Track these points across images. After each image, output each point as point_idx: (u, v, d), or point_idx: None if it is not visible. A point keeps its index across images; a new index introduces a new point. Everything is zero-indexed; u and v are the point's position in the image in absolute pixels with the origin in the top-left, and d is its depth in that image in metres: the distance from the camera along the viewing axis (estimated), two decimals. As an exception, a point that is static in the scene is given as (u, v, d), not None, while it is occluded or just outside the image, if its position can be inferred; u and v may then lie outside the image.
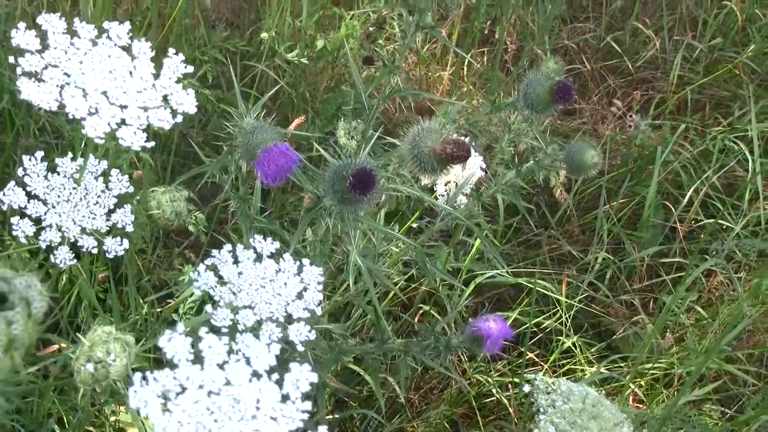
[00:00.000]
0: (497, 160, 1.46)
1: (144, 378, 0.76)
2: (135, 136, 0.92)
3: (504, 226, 2.07)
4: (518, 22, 2.57)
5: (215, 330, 0.87)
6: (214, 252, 0.99)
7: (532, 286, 1.93)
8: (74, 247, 1.07)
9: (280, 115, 2.16)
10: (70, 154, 1.10)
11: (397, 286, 1.81)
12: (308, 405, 0.78)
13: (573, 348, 1.98)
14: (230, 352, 0.80)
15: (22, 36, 0.95)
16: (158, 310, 1.66)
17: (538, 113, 1.26)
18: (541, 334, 2.01)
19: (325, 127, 2.13)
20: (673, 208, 2.25)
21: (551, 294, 2.02)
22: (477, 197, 1.39)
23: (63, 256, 1.04)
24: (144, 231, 1.51)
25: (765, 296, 2.03)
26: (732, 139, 2.37)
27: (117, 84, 0.96)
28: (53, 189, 1.07)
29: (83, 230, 1.06)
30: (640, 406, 1.92)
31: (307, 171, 1.15)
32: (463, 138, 1.25)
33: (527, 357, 1.91)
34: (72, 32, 0.98)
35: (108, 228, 1.07)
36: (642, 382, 1.95)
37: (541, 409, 1.14)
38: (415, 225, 1.74)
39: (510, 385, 1.90)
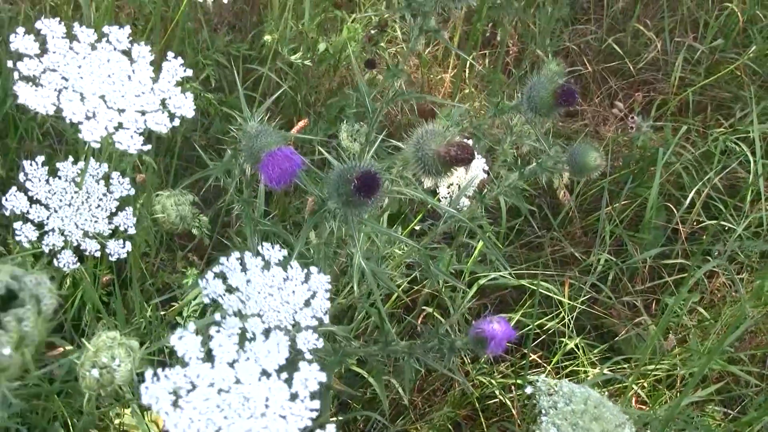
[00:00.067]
0: (499, 162, 1.46)
1: (155, 375, 0.77)
2: (132, 140, 0.92)
3: (506, 228, 2.07)
4: (520, 24, 2.58)
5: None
6: (222, 259, 1.00)
7: (535, 288, 1.93)
8: (77, 250, 1.07)
9: (283, 118, 2.16)
10: (71, 158, 1.10)
11: (400, 288, 1.81)
12: (317, 404, 0.79)
13: (576, 349, 1.98)
14: (240, 351, 0.81)
15: (20, 40, 0.95)
16: (162, 313, 1.67)
17: (542, 116, 1.26)
18: (543, 336, 2.01)
19: (328, 129, 2.13)
20: (675, 210, 2.25)
21: (554, 296, 2.02)
22: (480, 199, 1.39)
23: (66, 260, 1.04)
24: (148, 235, 1.52)
25: (767, 297, 2.03)
26: (733, 141, 2.37)
27: (115, 88, 0.96)
28: (55, 193, 1.07)
29: (86, 234, 1.06)
30: (643, 407, 1.93)
31: (310, 174, 1.15)
32: (466, 140, 1.26)
33: (530, 359, 1.91)
34: (72, 37, 0.98)
35: (110, 231, 1.07)
36: (645, 384, 1.95)
37: (543, 411, 1.14)
38: (417, 227, 1.75)
39: (513, 387, 1.90)
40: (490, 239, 1.86)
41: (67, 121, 0.90)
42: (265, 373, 0.80)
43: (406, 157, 1.15)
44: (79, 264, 1.06)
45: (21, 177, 1.06)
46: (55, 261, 1.03)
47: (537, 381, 1.18)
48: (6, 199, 1.04)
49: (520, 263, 2.13)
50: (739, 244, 2.18)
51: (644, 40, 2.67)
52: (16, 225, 1.02)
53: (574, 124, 2.51)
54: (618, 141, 2.46)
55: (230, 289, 0.99)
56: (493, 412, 1.90)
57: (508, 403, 1.88)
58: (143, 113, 0.95)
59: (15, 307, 0.74)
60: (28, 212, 1.05)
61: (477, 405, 1.88)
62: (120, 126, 0.92)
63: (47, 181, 1.07)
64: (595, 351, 1.99)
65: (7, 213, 1.03)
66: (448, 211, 1.37)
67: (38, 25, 0.97)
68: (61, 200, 1.07)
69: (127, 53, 0.99)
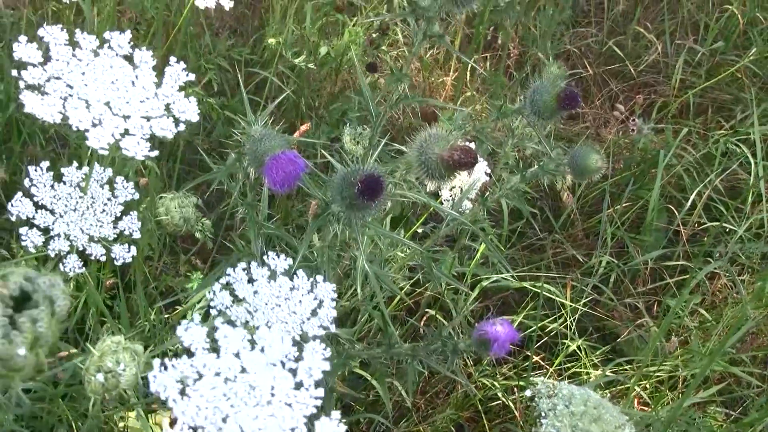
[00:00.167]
0: (501, 164, 1.47)
1: (163, 364, 0.78)
2: (139, 146, 0.92)
3: (508, 230, 2.07)
4: (521, 27, 2.58)
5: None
6: (229, 270, 1.00)
7: (537, 290, 1.94)
8: (82, 255, 1.08)
9: (285, 122, 2.17)
10: (75, 164, 1.10)
11: (403, 291, 1.82)
12: (321, 392, 0.81)
13: (578, 351, 1.99)
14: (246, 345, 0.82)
15: (23, 49, 0.95)
16: (166, 316, 1.67)
17: (544, 120, 1.26)
18: (546, 338, 2.02)
19: (331, 133, 2.14)
20: (676, 212, 2.26)
21: (556, 298, 2.02)
22: (483, 202, 1.40)
23: (72, 265, 1.05)
24: (151, 238, 1.52)
25: (768, 299, 2.04)
26: (734, 143, 2.38)
27: (119, 94, 0.96)
28: (60, 198, 1.08)
29: (91, 238, 1.07)
30: (645, 408, 1.93)
31: (313, 177, 1.16)
32: (469, 144, 1.26)
33: (533, 360, 1.92)
34: (74, 43, 0.99)
35: (115, 235, 1.08)
36: (647, 385, 1.95)
37: (543, 413, 1.15)
38: (420, 230, 1.75)
39: (516, 389, 1.91)
40: (492, 242, 1.86)
41: (74, 128, 0.90)
42: (270, 363, 0.81)
43: (410, 160, 1.16)
44: (84, 268, 1.07)
45: (26, 182, 1.07)
46: (60, 265, 1.04)
47: (537, 384, 1.19)
48: (12, 205, 1.04)
49: (522, 265, 2.13)
50: (740, 246, 2.18)
51: (645, 43, 2.67)
52: (22, 230, 1.03)
53: (576, 126, 2.52)
54: (619, 143, 2.46)
55: (237, 300, 1.00)
56: (496, 413, 1.91)
57: (511, 404, 1.88)
58: (148, 119, 0.95)
59: (29, 308, 0.75)
60: (33, 217, 1.05)
61: (480, 407, 1.89)
62: (126, 132, 0.93)
63: (52, 186, 1.08)
64: (597, 353, 2.00)
65: (13, 218, 1.04)
66: (451, 214, 1.38)
67: (41, 32, 0.97)
68: (66, 205, 1.08)
69: (129, 58, 1.00)
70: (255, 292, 1.01)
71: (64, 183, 1.08)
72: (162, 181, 1.90)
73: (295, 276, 1.03)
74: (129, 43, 1.00)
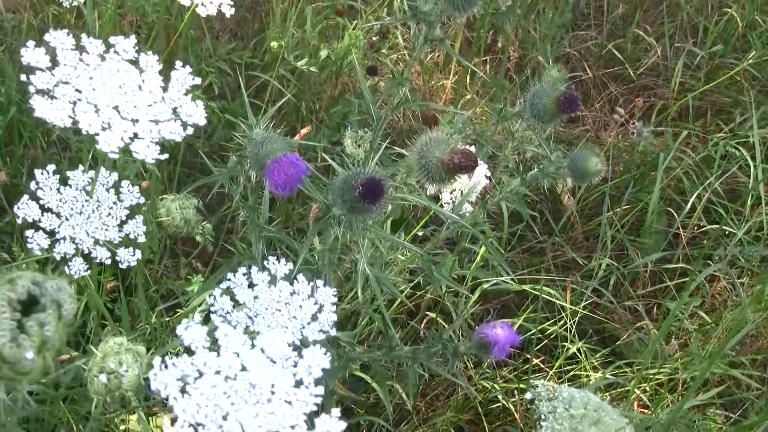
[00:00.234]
0: (501, 168, 1.47)
1: (163, 363, 0.78)
2: (148, 150, 0.93)
3: (508, 233, 2.08)
4: (520, 30, 2.59)
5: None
6: (230, 275, 1.00)
7: (537, 293, 1.94)
8: (87, 258, 1.08)
9: (286, 126, 2.17)
10: (81, 167, 1.11)
11: (403, 294, 1.82)
12: (321, 389, 0.81)
13: (578, 354, 1.99)
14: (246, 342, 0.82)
15: (31, 53, 0.96)
16: (166, 319, 1.68)
17: (544, 123, 1.27)
18: (546, 341, 2.02)
19: (332, 136, 2.14)
20: (675, 215, 2.26)
21: (556, 300, 2.03)
22: (483, 205, 1.40)
23: (77, 267, 1.05)
24: (152, 241, 1.53)
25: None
26: (734, 145, 2.38)
27: (127, 98, 0.97)
28: (66, 201, 1.08)
29: (96, 241, 1.07)
30: (645, 411, 1.93)
31: (314, 180, 1.16)
32: (469, 147, 1.27)
33: (533, 363, 1.92)
34: (80, 48, 0.99)
35: (120, 239, 1.08)
36: (647, 388, 1.96)
37: (543, 416, 1.15)
38: (420, 233, 1.76)
39: (516, 391, 1.91)
40: (493, 245, 1.86)
41: (84, 132, 0.90)
42: (270, 361, 0.82)
43: (410, 164, 1.16)
44: (89, 271, 1.08)
45: (33, 185, 1.07)
46: (66, 268, 1.05)
47: (537, 386, 1.19)
48: (18, 207, 1.05)
49: (522, 268, 2.14)
50: (739, 249, 2.19)
51: (644, 46, 2.68)
52: (28, 233, 1.03)
53: (575, 129, 2.52)
54: (619, 146, 2.47)
55: (238, 305, 1.00)
56: (496, 416, 1.91)
57: (511, 407, 1.89)
58: (157, 123, 0.96)
59: (36, 312, 0.76)
60: (39, 220, 1.06)
61: (480, 409, 1.89)
62: (135, 136, 0.93)
63: (58, 189, 1.08)
64: (597, 355, 2.00)
65: (20, 220, 1.04)
66: (451, 217, 1.38)
67: (47, 37, 0.98)
68: (72, 208, 1.08)
69: (134, 63, 1.00)
70: (255, 297, 1.01)
71: (70, 186, 1.09)
72: (163, 184, 1.91)
73: (295, 281, 1.03)
74: (134, 47, 1.00)
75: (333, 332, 1.01)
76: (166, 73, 1.03)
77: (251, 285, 1.01)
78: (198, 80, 1.03)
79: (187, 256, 1.93)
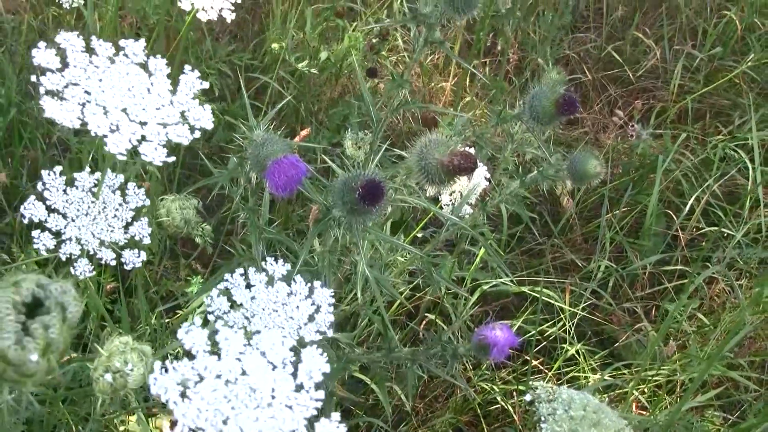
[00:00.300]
0: (501, 170, 1.48)
1: (164, 367, 0.78)
2: (156, 152, 0.94)
3: (507, 235, 2.08)
4: (520, 32, 2.59)
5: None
6: (227, 276, 1.01)
7: (536, 295, 1.94)
8: (92, 258, 1.09)
9: (285, 127, 2.17)
10: (88, 169, 1.12)
11: (402, 296, 1.82)
12: (321, 394, 0.81)
13: (577, 355, 1.99)
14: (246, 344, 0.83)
15: (42, 54, 0.96)
16: (166, 320, 1.68)
17: (543, 125, 1.27)
18: (545, 342, 2.03)
19: (332, 138, 2.14)
20: (674, 217, 2.26)
21: (555, 302, 2.03)
22: (482, 207, 1.41)
23: (83, 268, 1.06)
24: (152, 242, 1.53)
25: (766, 304, 2.04)
26: (732, 148, 2.39)
27: (136, 101, 0.98)
28: (72, 203, 1.09)
29: (102, 243, 1.08)
30: (644, 412, 1.94)
31: (314, 182, 1.16)
32: (469, 149, 1.27)
33: (532, 365, 1.92)
34: (90, 50, 1.00)
35: (126, 240, 1.09)
36: (645, 389, 1.96)
37: (543, 418, 1.15)
38: (420, 235, 1.76)
39: (515, 393, 1.91)
40: (492, 246, 1.87)
41: (93, 134, 0.91)
42: (270, 365, 0.82)
43: (410, 165, 1.17)
44: (94, 272, 1.08)
45: (39, 186, 1.08)
46: (72, 269, 1.05)
47: (537, 388, 1.19)
48: (24, 208, 1.06)
49: (521, 270, 2.14)
50: (738, 251, 2.19)
51: (643, 48, 2.68)
52: (34, 233, 1.04)
53: (574, 131, 2.53)
54: (618, 148, 2.47)
55: (235, 306, 1.00)
56: (495, 418, 1.91)
57: (510, 408, 1.89)
58: (165, 126, 0.97)
59: (41, 314, 0.76)
60: (46, 221, 1.06)
61: (479, 411, 1.89)
62: (143, 138, 0.94)
63: (65, 191, 1.09)
64: (595, 357, 2.01)
65: (26, 221, 1.05)
66: (451, 219, 1.39)
67: (58, 38, 0.99)
68: (78, 209, 1.09)
69: (143, 66, 1.01)
70: (252, 298, 1.01)
71: (76, 188, 1.10)
72: (162, 185, 1.91)
73: (293, 281, 1.03)
74: (143, 50, 1.01)
75: (330, 333, 1.01)
76: (170, 76, 1.04)
77: (248, 286, 1.02)
78: (206, 84, 1.03)
79: (186, 257, 1.93)
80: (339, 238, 1.14)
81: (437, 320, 1.94)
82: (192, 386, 0.79)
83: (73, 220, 1.08)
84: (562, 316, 2.03)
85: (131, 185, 1.12)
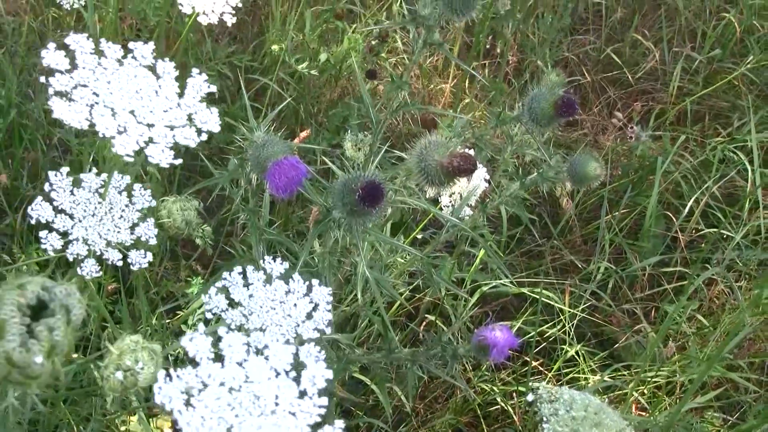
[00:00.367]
0: (500, 171, 1.48)
1: (168, 375, 0.78)
2: (163, 154, 0.95)
3: (507, 236, 2.09)
4: (519, 34, 2.60)
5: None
6: (225, 274, 1.01)
7: (536, 296, 1.95)
8: (99, 259, 1.10)
9: (285, 129, 2.18)
10: (94, 170, 1.12)
11: (402, 296, 1.83)
12: (325, 400, 0.81)
13: (576, 357, 2.00)
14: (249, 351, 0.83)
15: (52, 56, 0.97)
16: (167, 321, 1.68)
17: (542, 127, 1.28)
18: (544, 343, 2.03)
19: (332, 139, 2.15)
20: (674, 218, 2.27)
21: (554, 303, 2.03)
22: (482, 209, 1.41)
23: (89, 269, 1.07)
24: (145, 245, 1.54)
25: (765, 305, 2.05)
26: (732, 150, 2.39)
27: (144, 103, 0.98)
28: (79, 203, 1.10)
29: (108, 243, 1.09)
30: (643, 414, 1.94)
31: (314, 183, 1.17)
32: (468, 151, 1.27)
33: (531, 366, 1.93)
34: (99, 52, 1.01)
35: (132, 241, 1.09)
36: (645, 390, 1.96)
37: (545, 418, 1.15)
38: (420, 236, 1.76)
39: (515, 394, 1.91)
40: (492, 248, 1.87)
41: (101, 135, 0.92)
42: (274, 372, 0.82)
43: (410, 167, 1.17)
44: (101, 272, 1.09)
45: (46, 187, 1.09)
46: (78, 269, 1.06)
47: (538, 388, 1.19)
48: (32, 208, 1.06)
49: (520, 271, 2.14)
50: (737, 253, 2.19)
51: (642, 50, 2.69)
52: (42, 234, 1.05)
53: (574, 133, 2.53)
54: (617, 150, 2.47)
55: (233, 304, 1.01)
56: (495, 419, 1.92)
57: (510, 409, 1.89)
58: (172, 128, 0.98)
59: (46, 316, 0.77)
60: (53, 221, 1.07)
61: (479, 412, 1.90)
62: (150, 140, 0.95)
63: (72, 191, 1.10)
64: (595, 358, 2.01)
65: (33, 221, 1.06)
66: (450, 220, 1.39)
67: (67, 40, 0.99)
68: (85, 210, 1.10)
69: (151, 69, 1.02)
70: (250, 296, 1.02)
71: (83, 188, 1.11)
72: (163, 186, 1.91)
73: (291, 279, 1.04)
74: (152, 53, 1.02)
75: (328, 331, 1.02)
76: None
77: (247, 284, 1.02)
78: (213, 88, 1.04)
79: (187, 258, 1.94)
80: (339, 240, 1.15)
81: (437, 321, 1.94)
82: (196, 394, 0.79)
83: (80, 221, 1.09)
84: (561, 317, 2.04)
85: (137, 186, 1.13)
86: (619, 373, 1.99)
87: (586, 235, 2.32)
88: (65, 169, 1.10)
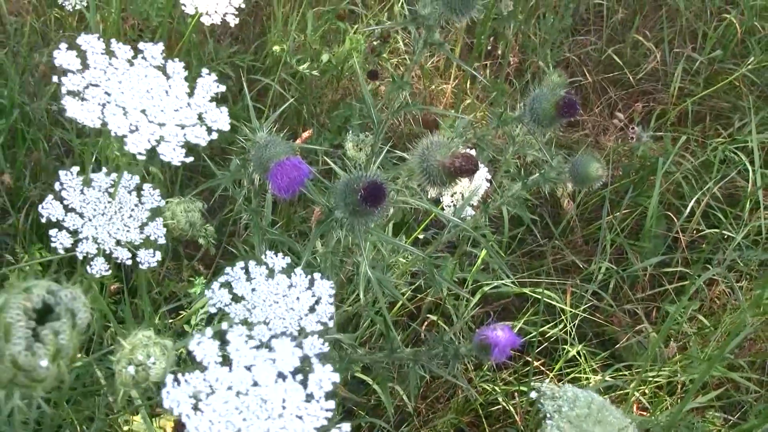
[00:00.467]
0: (502, 172, 1.49)
1: (176, 379, 0.79)
2: (174, 152, 0.96)
3: (509, 237, 2.09)
4: (521, 35, 2.60)
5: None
6: (228, 269, 1.01)
7: (537, 296, 1.95)
8: (108, 258, 1.10)
9: (288, 129, 2.18)
10: (104, 169, 1.13)
11: (404, 297, 1.83)
12: (332, 404, 0.82)
13: (578, 357, 2.00)
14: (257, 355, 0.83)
15: (64, 56, 0.98)
16: (169, 321, 1.69)
17: (544, 127, 1.28)
18: (546, 343, 2.03)
19: (333, 140, 2.15)
20: (675, 219, 2.27)
21: (556, 303, 2.04)
22: (484, 209, 1.41)
23: (99, 267, 1.08)
24: (154, 244, 1.54)
25: (766, 305, 2.05)
26: (732, 150, 2.39)
27: (154, 103, 1.00)
28: (89, 203, 1.11)
29: (118, 242, 1.10)
30: (645, 413, 1.94)
31: (316, 184, 1.17)
32: (470, 151, 1.28)
33: (533, 366, 1.93)
34: (110, 53, 1.02)
35: (141, 240, 1.10)
36: (646, 390, 1.97)
37: (548, 415, 1.16)
38: (421, 236, 1.77)
39: (516, 394, 1.92)
40: (493, 248, 1.88)
41: (112, 134, 0.93)
42: (281, 376, 0.83)
43: (411, 167, 1.18)
44: (110, 271, 1.10)
45: (57, 186, 1.10)
46: (88, 268, 1.07)
47: (542, 386, 1.20)
48: (43, 207, 1.07)
49: (522, 271, 2.15)
50: (738, 253, 2.20)
51: (643, 51, 2.69)
52: (52, 232, 1.06)
53: (575, 134, 2.53)
54: (618, 151, 2.48)
55: (236, 298, 1.01)
56: (497, 418, 1.92)
57: (511, 409, 1.90)
58: (182, 127, 0.99)
59: (51, 320, 0.77)
60: (63, 220, 1.08)
61: (480, 411, 1.90)
62: (162, 139, 0.96)
63: (82, 191, 1.11)
64: (596, 358, 2.01)
65: (43, 220, 1.07)
66: (452, 221, 1.39)
67: (79, 41, 1.01)
68: (94, 209, 1.11)
69: (161, 69, 1.03)
70: (253, 290, 1.02)
71: (93, 188, 1.12)
72: (165, 186, 1.92)
73: (293, 274, 1.04)
74: (162, 54, 1.03)
75: (331, 324, 1.02)
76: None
77: (249, 278, 1.02)
78: (223, 88, 1.05)
79: (189, 258, 1.94)
80: (341, 240, 1.15)
81: (439, 321, 1.94)
82: (204, 398, 0.80)
83: (90, 220, 1.10)
84: (563, 317, 2.04)
85: (147, 186, 1.14)
86: (621, 373, 1.99)
87: (588, 235, 2.32)
88: (75, 169, 1.11)
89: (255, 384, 0.82)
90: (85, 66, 0.99)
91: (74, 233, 1.08)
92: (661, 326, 2.04)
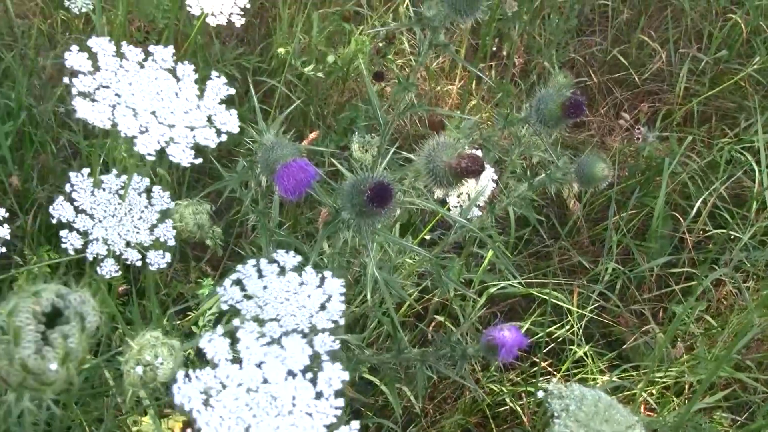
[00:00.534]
0: (508, 173, 1.49)
1: (187, 376, 0.80)
2: (184, 154, 0.97)
3: (515, 237, 2.09)
4: (526, 36, 2.60)
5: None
6: (239, 267, 1.02)
7: (544, 297, 1.95)
8: (118, 259, 1.11)
9: (295, 131, 2.18)
10: (114, 171, 1.14)
11: (411, 297, 1.83)
12: (341, 402, 0.82)
13: (585, 357, 2.00)
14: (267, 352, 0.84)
15: (74, 57, 0.99)
16: (177, 322, 1.69)
17: (550, 128, 1.28)
18: (553, 344, 2.03)
19: (340, 141, 2.16)
20: (681, 219, 2.27)
21: (562, 304, 2.04)
22: (490, 210, 1.42)
23: (109, 268, 1.08)
24: (163, 246, 1.55)
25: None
26: (739, 150, 2.39)
27: (164, 104, 1.01)
28: (99, 204, 1.12)
29: (128, 244, 1.11)
30: (652, 414, 1.94)
31: (323, 185, 1.18)
32: (476, 152, 1.28)
33: (540, 366, 1.93)
34: (120, 55, 1.03)
35: (151, 242, 1.11)
36: (653, 391, 1.97)
37: (555, 414, 1.16)
38: (428, 237, 1.77)
39: (523, 394, 1.92)
40: (500, 249, 1.88)
41: (122, 135, 0.94)
42: (291, 373, 0.83)
43: (418, 168, 1.18)
44: (120, 272, 1.10)
45: (67, 187, 1.11)
46: (98, 269, 1.08)
47: (549, 385, 1.20)
48: (53, 208, 1.08)
49: (528, 272, 2.15)
50: (745, 253, 2.19)
51: (649, 51, 2.69)
52: (62, 233, 1.07)
53: (581, 134, 2.54)
54: (624, 151, 2.48)
55: (248, 296, 1.02)
56: (504, 419, 1.92)
57: (519, 410, 1.90)
58: (192, 129, 1.00)
59: (60, 324, 0.78)
60: (74, 221, 1.09)
61: (488, 412, 1.90)
62: (171, 140, 0.97)
63: (92, 192, 1.12)
64: (603, 359, 2.01)
65: (54, 221, 1.08)
66: (459, 221, 1.40)
67: (90, 43, 1.02)
68: (105, 211, 1.11)
69: (171, 71, 1.04)
70: (264, 287, 1.03)
71: (103, 190, 1.12)
72: (172, 188, 1.92)
73: (303, 272, 1.05)
74: (172, 56, 1.04)
75: (342, 321, 1.02)
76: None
77: (260, 276, 1.03)
78: (232, 91, 1.06)
79: (197, 259, 1.95)
80: (348, 241, 1.15)
81: (446, 322, 1.95)
82: (214, 395, 0.80)
83: (100, 221, 1.11)
84: (569, 318, 2.04)
85: (156, 188, 1.15)
86: (628, 374, 1.99)
87: (594, 236, 2.32)
88: (86, 170, 1.12)
89: (265, 381, 0.83)
90: (96, 68, 1.00)
91: (84, 234, 1.09)
92: (668, 327, 2.04)
